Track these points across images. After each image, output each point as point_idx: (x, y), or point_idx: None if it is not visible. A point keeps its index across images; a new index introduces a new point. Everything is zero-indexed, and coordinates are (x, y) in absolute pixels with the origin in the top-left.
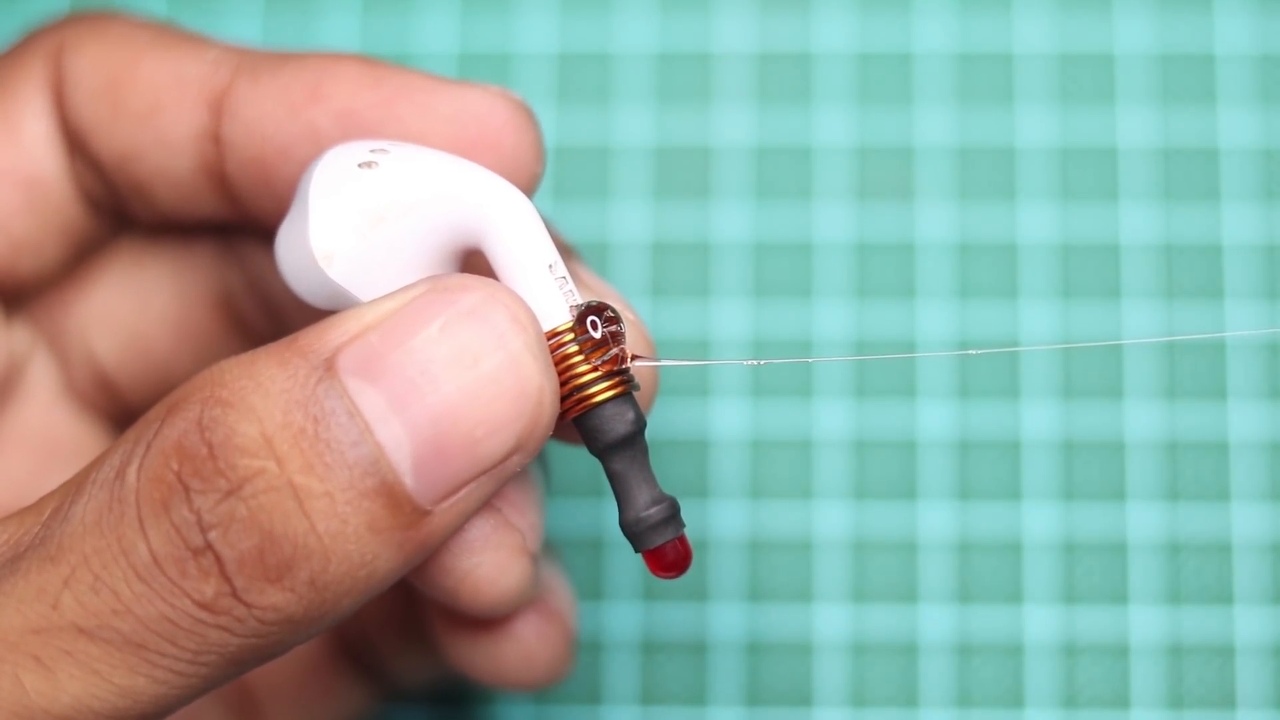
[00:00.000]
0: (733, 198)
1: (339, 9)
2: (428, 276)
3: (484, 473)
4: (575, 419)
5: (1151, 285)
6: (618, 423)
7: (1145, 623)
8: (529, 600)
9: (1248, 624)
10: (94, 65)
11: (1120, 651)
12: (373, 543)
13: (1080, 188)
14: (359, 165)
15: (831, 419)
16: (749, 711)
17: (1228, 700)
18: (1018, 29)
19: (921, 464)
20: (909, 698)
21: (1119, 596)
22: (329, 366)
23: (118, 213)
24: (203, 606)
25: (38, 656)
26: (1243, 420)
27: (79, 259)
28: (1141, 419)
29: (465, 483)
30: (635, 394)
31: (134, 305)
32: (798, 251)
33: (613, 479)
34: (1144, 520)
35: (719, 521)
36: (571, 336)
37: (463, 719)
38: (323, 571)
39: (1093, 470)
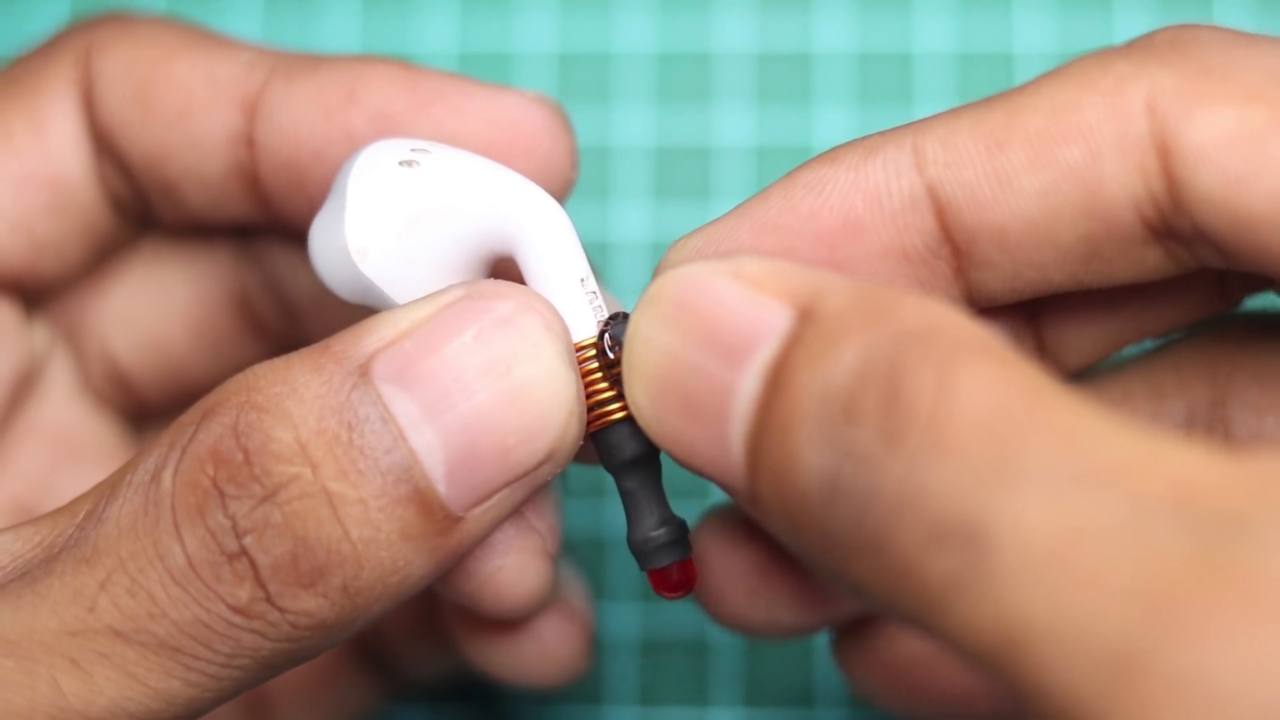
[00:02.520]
0: (733, 198)
1: (339, 9)
2: (462, 282)
3: (515, 480)
4: (593, 434)
5: None
6: (634, 441)
7: None
8: (548, 601)
9: None
10: (125, 66)
11: None
12: (405, 549)
13: None
14: (399, 163)
15: None
16: (749, 711)
17: None
18: (1017, 29)
19: None
20: None
21: None
22: (363, 372)
23: (142, 214)
24: (237, 611)
25: (74, 659)
26: None
27: (100, 259)
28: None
29: (497, 489)
30: None
31: (152, 305)
32: None
33: (624, 496)
34: None
35: None
36: (594, 352)
37: (464, 718)
38: (355, 578)
39: None
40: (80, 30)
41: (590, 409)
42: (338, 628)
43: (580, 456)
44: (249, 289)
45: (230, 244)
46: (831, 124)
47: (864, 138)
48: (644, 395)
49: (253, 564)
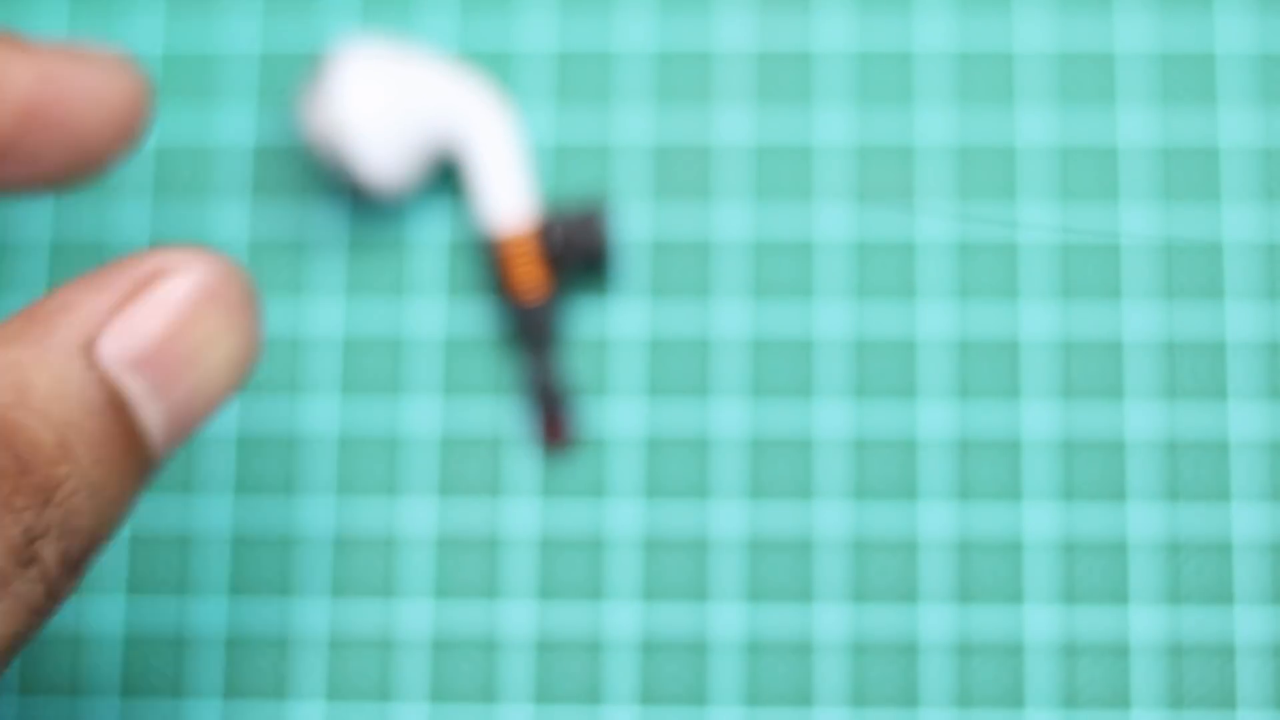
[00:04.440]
0: (733, 198)
1: (337, 9)
2: (155, 251)
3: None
4: (527, 309)
5: (1151, 285)
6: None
7: (1145, 623)
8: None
9: (1248, 624)
10: None
11: (1120, 651)
12: (128, 492)
13: (1080, 187)
14: (376, 63)
15: (831, 419)
16: (749, 711)
17: (1228, 700)
18: (1018, 29)
19: (921, 464)
20: (909, 698)
21: (1119, 596)
22: (92, 352)
23: None
24: (36, 612)
25: None
26: (1243, 420)
27: None
28: (1141, 419)
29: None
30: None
31: None
32: (798, 251)
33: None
34: (1144, 520)
35: (719, 521)
36: (525, 245)
37: (465, 716)
38: (104, 540)
39: (1093, 470)
40: None
41: (515, 288)
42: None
43: None
44: None
45: None
46: (831, 124)
47: None
48: None
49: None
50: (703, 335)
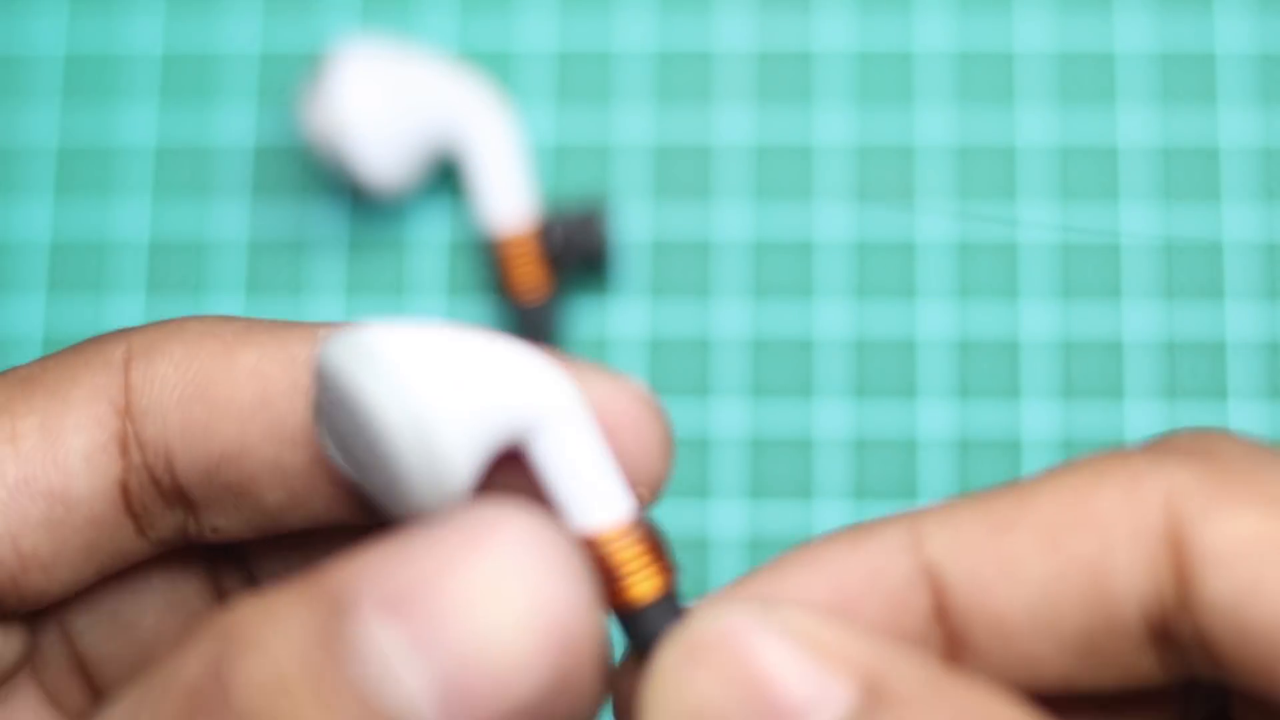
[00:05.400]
0: (733, 198)
1: (338, 9)
2: (448, 512)
3: (518, 712)
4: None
5: (1152, 285)
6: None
7: None
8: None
9: None
10: (179, 366)
11: None
12: None
13: (1080, 187)
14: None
15: (831, 418)
16: None
17: None
18: (1018, 29)
19: (921, 462)
20: None
21: None
22: (354, 598)
23: (175, 531)
24: None
25: None
26: (1242, 420)
27: (103, 576)
28: (1141, 419)
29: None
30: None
31: (135, 620)
32: (798, 251)
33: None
34: None
35: (719, 520)
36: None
37: None
38: None
39: None
40: (115, 336)
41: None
42: None
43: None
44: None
45: (202, 568)
46: (831, 124)
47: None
48: None
49: None
50: (703, 335)
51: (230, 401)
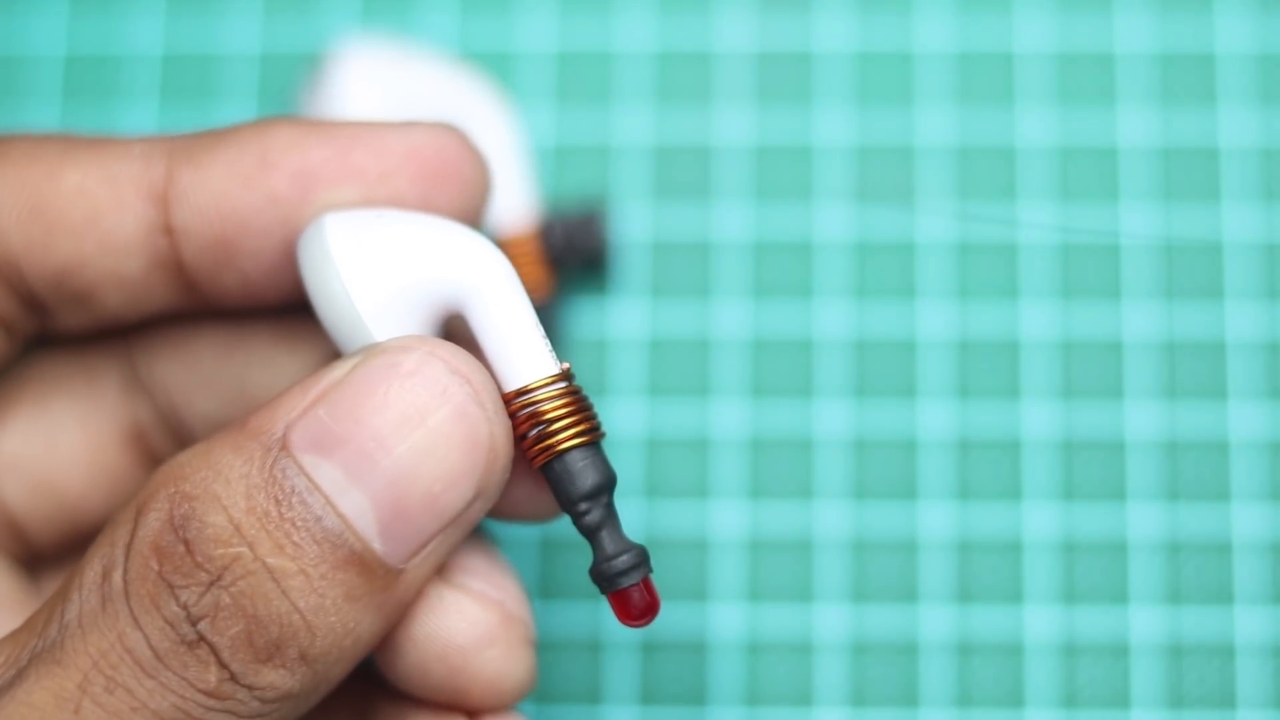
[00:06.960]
0: (733, 198)
1: (337, 10)
2: (366, 346)
3: (448, 524)
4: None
5: (1152, 285)
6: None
7: (1145, 623)
8: (531, 688)
9: (1248, 624)
10: (12, 189)
11: (1120, 651)
12: (353, 610)
13: (1080, 188)
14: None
15: (831, 419)
16: (749, 711)
17: (1228, 700)
18: (1018, 29)
19: (921, 464)
20: (909, 698)
21: (1119, 596)
22: (283, 445)
23: (33, 331)
24: (209, 694)
25: None
26: (1243, 420)
27: None
28: (1141, 419)
29: (432, 537)
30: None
31: (40, 447)
32: (798, 251)
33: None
34: (1144, 520)
35: (719, 521)
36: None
37: None
38: (310, 646)
39: (1093, 470)
40: None
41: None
42: (303, 695)
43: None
44: (141, 421)
45: (118, 375)
46: (831, 124)
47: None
48: None
49: (212, 648)
50: (703, 335)
51: (62, 219)
